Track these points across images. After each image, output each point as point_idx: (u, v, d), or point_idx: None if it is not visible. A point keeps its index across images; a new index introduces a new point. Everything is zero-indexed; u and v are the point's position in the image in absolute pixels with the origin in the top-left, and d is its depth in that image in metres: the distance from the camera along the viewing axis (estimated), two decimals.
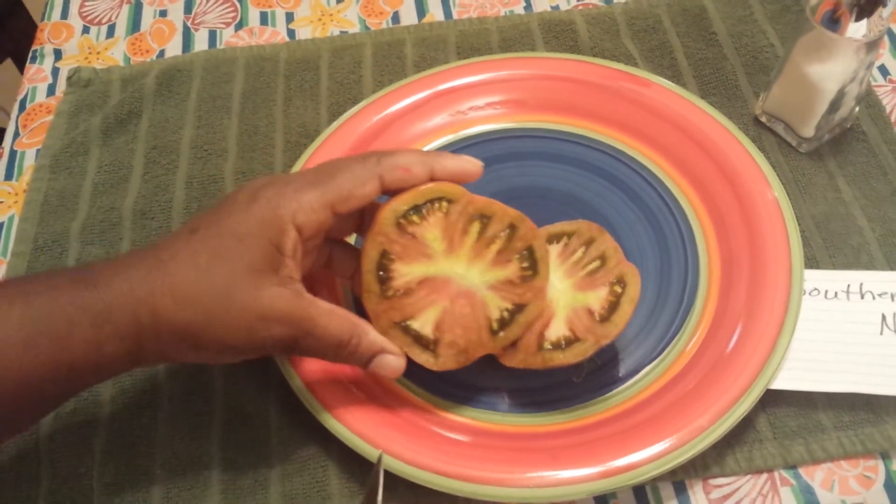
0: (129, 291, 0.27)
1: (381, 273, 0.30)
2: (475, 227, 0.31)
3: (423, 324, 0.30)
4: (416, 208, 0.30)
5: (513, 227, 0.31)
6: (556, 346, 0.31)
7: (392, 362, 0.30)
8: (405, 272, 0.30)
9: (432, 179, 0.30)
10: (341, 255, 0.33)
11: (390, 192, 0.30)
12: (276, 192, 0.28)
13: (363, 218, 0.33)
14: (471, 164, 0.31)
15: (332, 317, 0.29)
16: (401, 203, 0.30)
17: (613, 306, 0.31)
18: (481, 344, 0.31)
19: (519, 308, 0.31)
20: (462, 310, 0.30)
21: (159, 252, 0.28)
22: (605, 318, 0.31)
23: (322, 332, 0.28)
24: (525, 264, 0.31)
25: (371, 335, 0.30)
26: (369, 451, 0.31)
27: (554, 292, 0.33)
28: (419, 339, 0.30)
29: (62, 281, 0.27)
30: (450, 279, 0.30)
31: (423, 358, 0.30)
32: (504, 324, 0.31)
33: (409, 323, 0.30)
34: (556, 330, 0.31)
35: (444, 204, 0.30)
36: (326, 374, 0.33)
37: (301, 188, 0.29)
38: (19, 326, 0.25)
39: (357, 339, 0.29)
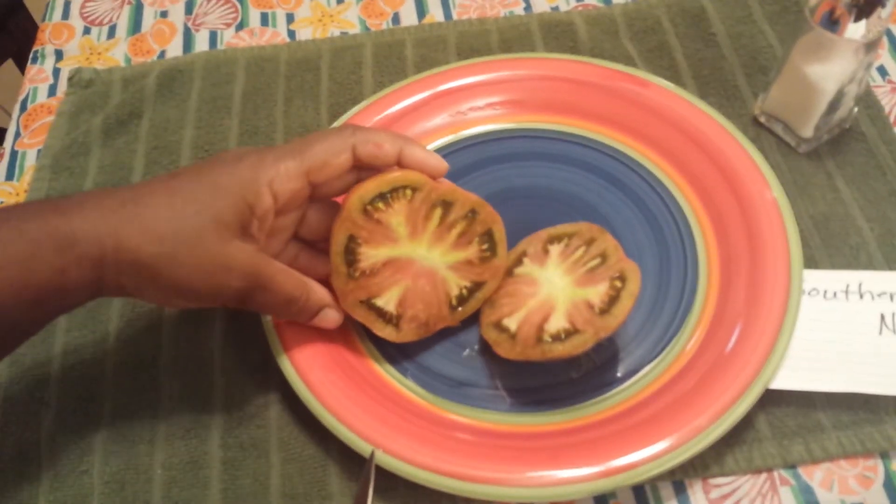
0: (98, 220, 0.27)
1: (348, 256, 0.32)
2: (437, 212, 0.32)
3: (387, 301, 0.33)
4: (382, 195, 0.31)
5: (474, 212, 0.33)
6: (556, 337, 0.31)
7: (332, 315, 0.33)
8: (371, 255, 0.32)
9: (399, 163, 0.32)
10: (308, 256, 0.34)
11: (361, 166, 0.32)
12: (259, 158, 0.30)
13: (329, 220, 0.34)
14: (436, 160, 0.32)
15: (286, 275, 0.31)
16: (367, 191, 0.31)
17: (613, 300, 0.31)
18: (441, 317, 0.33)
19: (477, 286, 0.34)
20: (423, 287, 0.33)
21: (136, 189, 0.29)
22: (605, 310, 0.31)
23: (277, 287, 0.30)
24: (484, 246, 0.33)
25: (317, 292, 0.32)
26: (369, 451, 0.31)
27: (554, 289, 0.33)
28: (382, 315, 0.33)
29: (34, 207, 0.28)
30: (413, 260, 0.33)
31: (386, 331, 0.33)
32: (462, 300, 0.34)
33: (373, 300, 0.32)
34: (556, 323, 0.31)
35: (409, 192, 0.32)
36: (327, 374, 0.33)
37: (280, 157, 0.30)
38: None
39: (306, 297, 0.32)
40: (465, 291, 0.33)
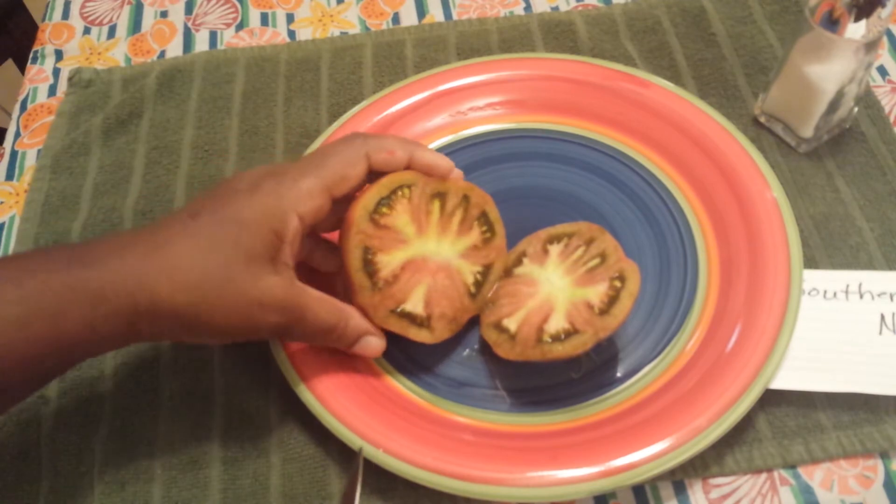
0: (126, 273, 0.27)
1: (367, 268, 0.32)
2: (436, 204, 0.33)
3: (414, 304, 0.32)
4: (383, 200, 0.32)
5: (466, 198, 0.34)
6: (556, 338, 0.31)
7: (374, 343, 0.32)
8: (387, 261, 0.32)
9: (409, 167, 0.33)
10: (324, 252, 0.35)
11: (375, 173, 0.32)
12: (277, 182, 0.29)
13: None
14: (444, 161, 0.33)
15: (322, 304, 0.30)
16: (369, 199, 0.32)
17: (613, 300, 0.31)
18: (465, 308, 0.33)
19: (487, 268, 0.34)
20: (443, 282, 0.33)
21: (157, 234, 0.28)
22: (605, 311, 0.31)
23: (313, 318, 0.30)
24: (483, 228, 0.34)
25: (355, 319, 0.31)
26: (370, 451, 0.31)
27: (553, 289, 0.33)
28: (414, 320, 0.32)
29: (58, 259, 0.27)
30: (426, 257, 0.33)
31: (422, 335, 0.32)
32: (479, 285, 0.34)
33: (402, 307, 0.32)
34: (556, 323, 0.31)
35: (406, 190, 0.33)
36: (327, 374, 0.33)
37: (298, 177, 0.30)
38: (13, 306, 0.25)
39: (344, 324, 0.31)
40: (479, 276, 0.34)
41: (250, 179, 0.30)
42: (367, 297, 0.32)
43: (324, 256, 0.34)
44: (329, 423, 0.31)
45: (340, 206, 0.32)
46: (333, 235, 0.35)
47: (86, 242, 0.29)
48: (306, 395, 0.32)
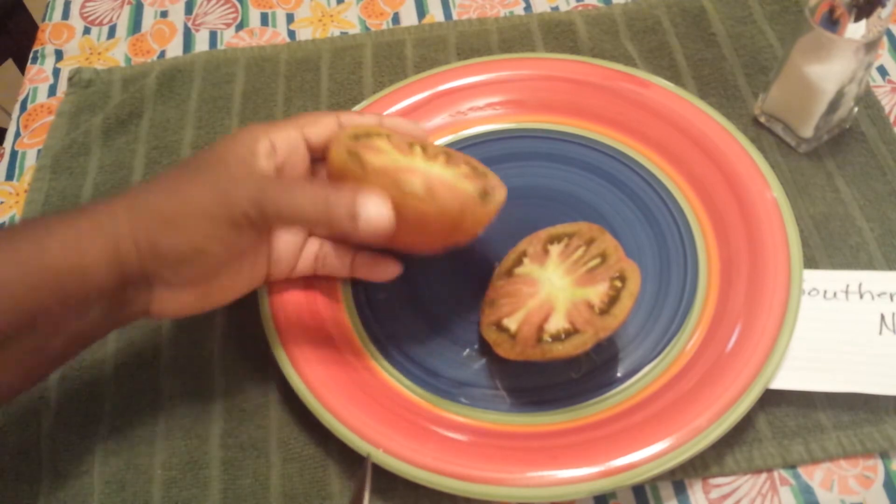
0: (110, 197, 0.29)
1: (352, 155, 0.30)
2: (417, 148, 0.33)
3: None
4: (361, 135, 0.32)
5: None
6: (556, 338, 0.31)
7: (375, 200, 0.27)
8: (374, 157, 0.30)
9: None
10: (333, 252, 0.35)
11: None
12: (248, 126, 0.31)
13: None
14: (414, 128, 0.34)
15: (299, 181, 0.31)
16: (352, 127, 0.32)
17: (613, 300, 0.31)
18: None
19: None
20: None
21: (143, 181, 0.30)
22: (605, 311, 0.31)
23: (293, 183, 0.29)
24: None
25: (345, 187, 0.28)
26: (369, 451, 0.31)
27: (554, 289, 0.33)
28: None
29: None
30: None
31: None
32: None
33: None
34: (556, 323, 0.31)
35: (384, 136, 0.33)
36: (327, 372, 0.33)
37: (269, 122, 0.32)
38: (2, 246, 0.26)
39: (332, 187, 0.28)
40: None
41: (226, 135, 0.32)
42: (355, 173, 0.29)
43: (333, 258, 0.35)
44: (335, 428, 0.31)
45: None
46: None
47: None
48: (310, 398, 0.32)
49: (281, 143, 0.31)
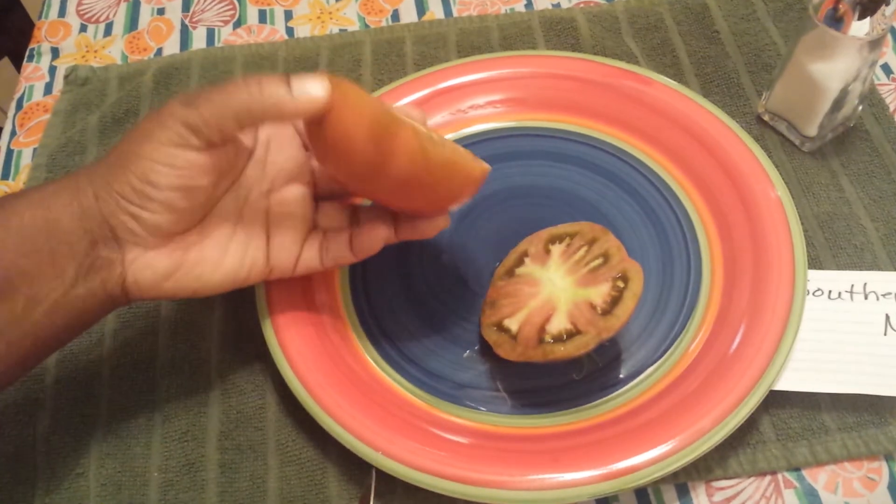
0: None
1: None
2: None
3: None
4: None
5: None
6: (558, 339, 0.31)
7: (313, 79, 0.26)
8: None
9: None
10: (336, 238, 0.33)
11: None
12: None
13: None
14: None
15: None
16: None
17: (616, 300, 0.31)
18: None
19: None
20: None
21: None
22: (608, 311, 0.31)
23: (221, 86, 0.27)
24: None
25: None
26: (368, 454, 0.30)
27: (555, 289, 0.33)
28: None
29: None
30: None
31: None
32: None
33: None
34: (558, 323, 0.31)
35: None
36: (326, 376, 0.33)
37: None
38: None
39: (263, 76, 0.27)
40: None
41: None
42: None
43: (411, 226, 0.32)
44: (334, 430, 0.31)
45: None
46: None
47: None
48: (308, 401, 0.32)
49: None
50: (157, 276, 0.29)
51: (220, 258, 0.30)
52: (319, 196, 0.33)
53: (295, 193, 0.32)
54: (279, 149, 0.31)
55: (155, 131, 0.27)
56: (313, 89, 0.26)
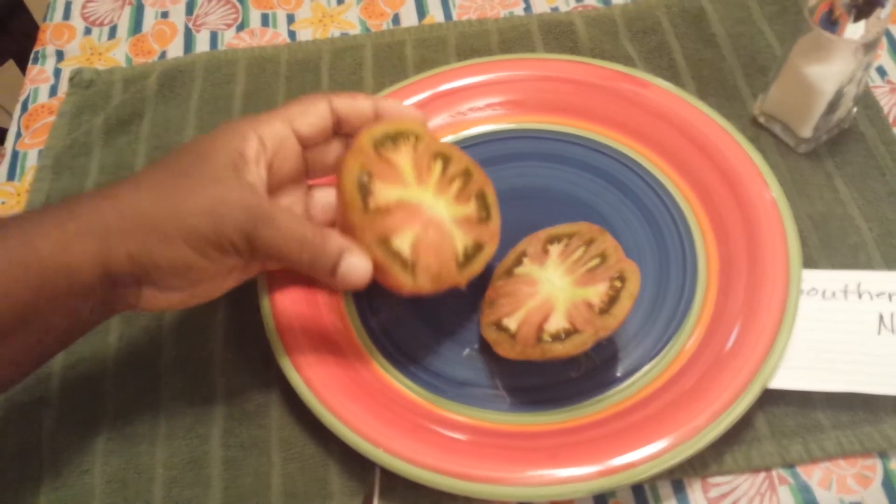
0: (97, 195, 0.28)
1: (362, 189, 0.31)
2: (438, 164, 0.33)
3: (402, 243, 0.31)
4: (390, 136, 0.32)
5: (468, 172, 0.34)
6: (556, 337, 0.31)
7: (358, 264, 0.29)
8: (383, 191, 0.31)
9: (376, 116, 0.33)
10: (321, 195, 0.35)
11: (339, 123, 0.33)
12: (237, 121, 0.31)
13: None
14: (411, 109, 0.34)
15: (293, 214, 0.30)
16: (376, 130, 0.32)
17: (613, 300, 0.31)
18: (450, 273, 0.32)
19: (478, 247, 0.33)
20: (433, 237, 0.32)
21: (128, 177, 0.30)
22: (605, 310, 0.31)
23: (283, 223, 0.29)
24: (480, 206, 0.34)
25: (335, 236, 0.30)
26: (370, 450, 0.31)
27: (554, 289, 0.33)
28: (399, 259, 0.31)
29: (37, 209, 0.29)
30: (421, 206, 0.32)
31: (404, 277, 0.30)
32: (468, 258, 0.33)
33: (390, 241, 0.31)
34: (556, 322, 0.31)
35: (413, 138, 0.33)
36: (328, 373, 0.33)
37: (260, 115, 0.31)
38: None
39: (321, 238, 0.29)
40: (469, 249, 0.33)
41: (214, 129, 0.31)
42: (357, 216, 0.30)
43: (323, 208, 0.34)
44: (336, 428, 0.31)
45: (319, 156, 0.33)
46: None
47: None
48: (310, 398, 0.32)
49: (270, 141, 0.31)
50: (169, 303, 0.30)
51: (228, 281, 0.31)
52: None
53: (293, 198, 0.33)
54: (284, 158, 0.32)
55: (204, 230, 0.28)
56: (355, 281, 0.30)
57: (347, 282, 0.30)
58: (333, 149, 0.33)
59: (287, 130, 0.31)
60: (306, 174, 0.34)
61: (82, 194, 0.29)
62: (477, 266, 0.33)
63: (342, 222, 0.31)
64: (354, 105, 0.32)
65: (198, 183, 0.28)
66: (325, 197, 0.35)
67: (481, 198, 0.34)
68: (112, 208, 0.28)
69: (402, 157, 0.32)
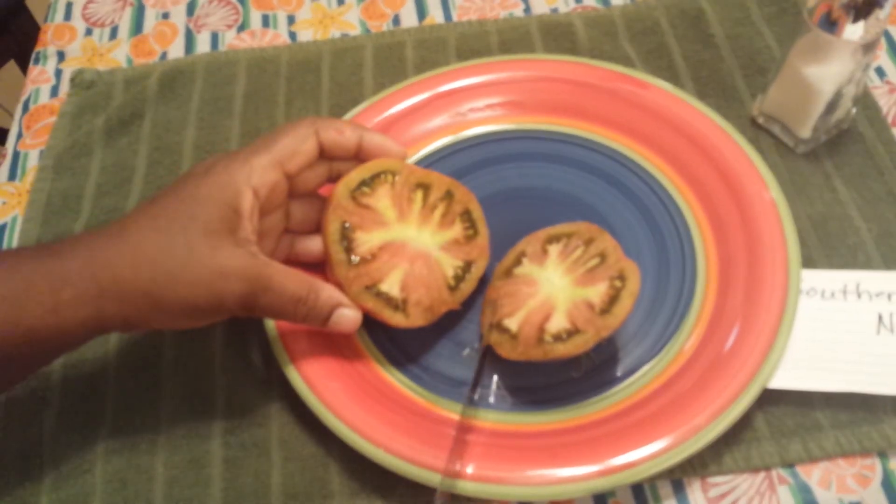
0: (90, 257, 0.28)
1: (344, 243, 0.32)
2: (419, 194, 0.34)
3: (391, 286, 0.32)
4: (366, 181, 0.33)
5: (450, 193, 0.35)
6: (557, 338, 0.31)
7: (349, 315, 0.31)
8: (366, 239, 0.33)
9: (360, 149, 0.33)
10: (305, 243, 0.35)
11: (326, 154, 0.33)
12: (230, 160, 0.30)
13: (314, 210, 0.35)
14: (394, 145, 0.34)
15: (288, 274, 0.30)
16: (351, 178, 0.33)
17: (613, 299, 0.31)
18: (443, 300, 0.33)
19: (468, 265, 0.34)
20: (421, 270, 0.33)
21: (123, 221, 0.29)
22: (606, 310, 0.31)
23: (280, 287, 0.30)
24: (466, 225, 0.35)
25: (327, 291, 0.31)
26: (370, 450, 0.31)
27: (554, 289, 0.33)
28: (389, 301, 0.32)
29: (30, 250, 0.28)
30: (405, 243, 0.33)
31: (396, 318, 0.32)
32: (458, 279, 0.34)
33: (378, 287, 0.32)
34: (557, 323, 0.32)
35: (389, 176, 0.34)
36: (328, 372, 0.33)
37: (250, 155, 0.31)
38: None
39: (315, 295, 0.31)
40: (459, 271, 0.34)
41: (206, 164, 0.31)
42: (342, 271, 0.32)
43: (304, 246, 0.35)
44: (336, 428, 0.31)
45: (305, 203, 0.34)
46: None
47: (54, 240, 0.30)
48: (311, 398, 0.32)
49: (263, 191, 0.30)
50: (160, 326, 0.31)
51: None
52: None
53: (275, 217, 0.33)
54: (274, 199, 0.32)
55: (202, 303, 0.29)
56: (346, 328, 0.32)
57: (338, 330, 0.32)
58: (316, 172, 0.33)
59: (279, 175, 0.31)
60: (289, 195, 0.33)
61: (78, 241, 0.28)
62: (468, 285, 0.34)
63: (332, 277, 0.32)
64: (340, 140, 0.33)
65: (194, 247, 0.28)
66: (303, 205, 0.34)
67: (466, 215, 0.35)
68: (107, 271, 0.28)
69: (381, 199, 0.33)
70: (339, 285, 0.32)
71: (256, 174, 0.30)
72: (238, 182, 0.30)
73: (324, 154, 0.33)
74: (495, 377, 0.34)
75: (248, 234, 0.30)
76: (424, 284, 0.33)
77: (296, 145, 0.31)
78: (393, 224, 0.33)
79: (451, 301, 0.33)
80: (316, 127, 0.32)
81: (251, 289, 0.29)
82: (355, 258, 0.32)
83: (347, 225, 0.32)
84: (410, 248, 0.33)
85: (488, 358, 0.34)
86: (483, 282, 0.36)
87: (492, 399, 0.33)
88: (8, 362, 0.28)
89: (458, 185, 0.35)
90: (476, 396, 0.32)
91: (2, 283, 0.27)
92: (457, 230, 0.34)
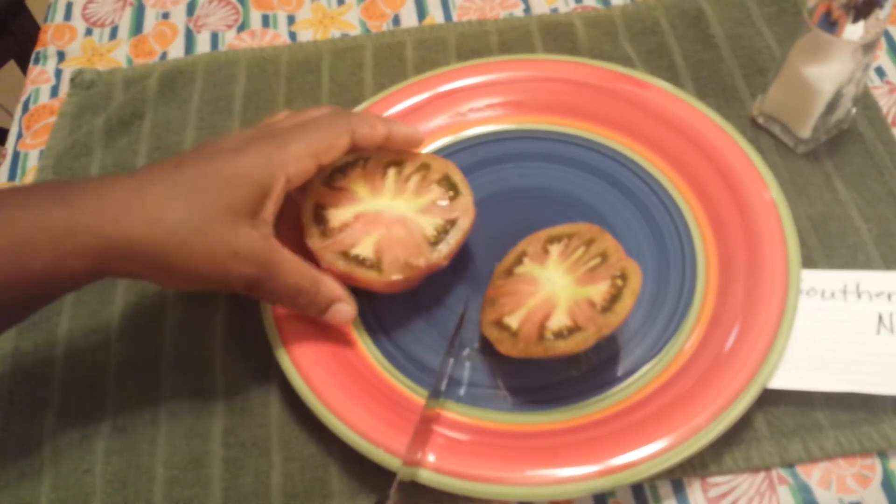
0: (100, 211, 0.27)
1: (318, 219, 0.34)
2: (391, 171, 0.35)
3: (364, 249, 0.33)
4: (339, 169, 0.35)
5: (426, 166, 0.35)
6: (558, 335, 0.31)
7: (345, 310, 0.33)
8: (339, 214, 0.34)
9: (387, 141, 0.34)
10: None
11: (353, 147, 0.33)
12: (265, 143, 0.31)
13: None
14: (416, 134, 0.35)
15: (295, 265, 0.31)
16: (325, 171, 0.35)
17: (615, 297, 0.31)
18: (421, 255, 0.33)
19: (451, 223, 0.34)
20: (398, 233, 0.33)
21: (139, 178, 0.29)
22: (607, 308, 0.31)
23: (285, 276, 0.31)
24: (446, 188, 0.35)
25: (327, 285, 0.32)
26: (370, 450, 0.31)
27: (555, 287, 0.33)
28: (362, 262, 0.33)
29: (36, 194, 0.28)
30: (381, 212, 0.34)
31: (369, 275, 0.32)
32: (440, 235, 0.34)
33: (350, 251, 0.33)
34: (558, 320, 0.32)
35: (361, 161, 0.35)
36: (328, 373, 0.33)
37: (288, 140, 0.31)
38: None
39: (315, 289, 0.32)
40: (440, 227, 0.34)
41: (238, 140, 0.31)
42: (315, 243, 0.33)
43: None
44: (336, 428, 0.31)
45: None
46: None
47: (71, 182, 0.29)
48: (311, 398, 0.32)
49: (296, 180, 0.31)
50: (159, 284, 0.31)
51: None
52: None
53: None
54: (298, 184, 0.32)
55: (211, 276, 0.29)
56: (342, 320, 0.33)
57: (333, 322, 0.33)
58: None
59: (313, 166, 0.31)
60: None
61: (86, 190, 0.28)
62: (454, 239, 0.33)
63: (310, 256, 0.33)
64: (372, 135, 0.33)
65: (213, 223, 0.28)
66: None
67: (445, 180, 0.35)
68: (116, 228, 0.27)
69: (353, 181, 0.35)
70: (315, 258, 0.33)
71: (293, 162, 0.30)
72: (274, 165, 0.30)
73: (353, 148, 0.33)
74: (496, 378, 0.34)
75: (268, 216, 0.30)
76: (401, 243, 0.33)
77: (332, 139, 0.32)
78: (366, 199, 0.34)
79: (432, 256, 0.33)
80: (352, 125, 0.33)
81: (259, 273, 0.30)
82: (327, 230, 0.33)
83: (321, 205, 0.34)
84: (386, 215, 0.34)
85: (489, 358, 0.34)
86: (483, 282, 0.36)
87: (492, 399, 0.33)
88: (5, 308, 0.28)
89: (434, 157, 0.36)
90: (442, 387, 0.32)
91: (2, 233, 0.26)
92: (435, 194, 0.35)
